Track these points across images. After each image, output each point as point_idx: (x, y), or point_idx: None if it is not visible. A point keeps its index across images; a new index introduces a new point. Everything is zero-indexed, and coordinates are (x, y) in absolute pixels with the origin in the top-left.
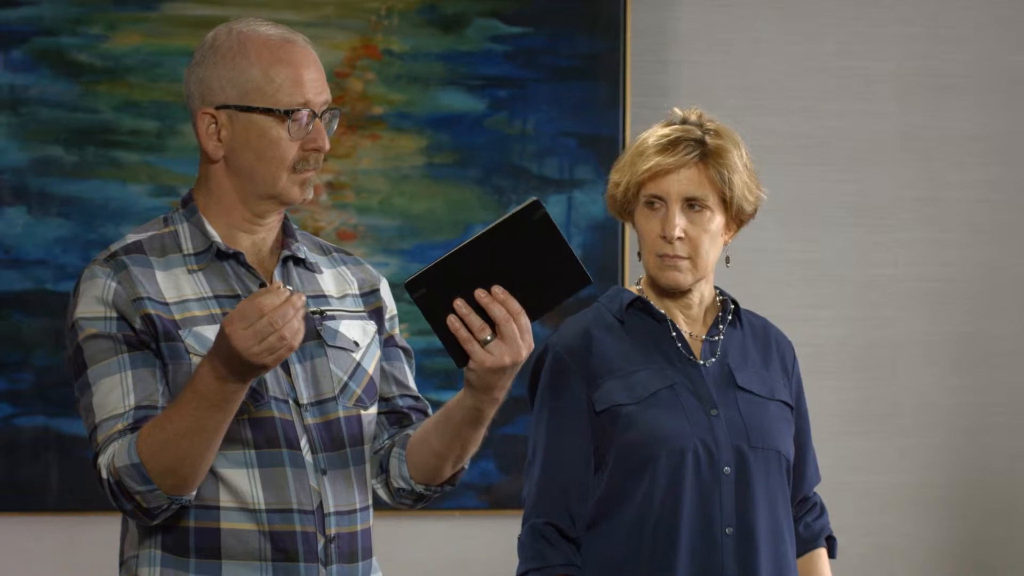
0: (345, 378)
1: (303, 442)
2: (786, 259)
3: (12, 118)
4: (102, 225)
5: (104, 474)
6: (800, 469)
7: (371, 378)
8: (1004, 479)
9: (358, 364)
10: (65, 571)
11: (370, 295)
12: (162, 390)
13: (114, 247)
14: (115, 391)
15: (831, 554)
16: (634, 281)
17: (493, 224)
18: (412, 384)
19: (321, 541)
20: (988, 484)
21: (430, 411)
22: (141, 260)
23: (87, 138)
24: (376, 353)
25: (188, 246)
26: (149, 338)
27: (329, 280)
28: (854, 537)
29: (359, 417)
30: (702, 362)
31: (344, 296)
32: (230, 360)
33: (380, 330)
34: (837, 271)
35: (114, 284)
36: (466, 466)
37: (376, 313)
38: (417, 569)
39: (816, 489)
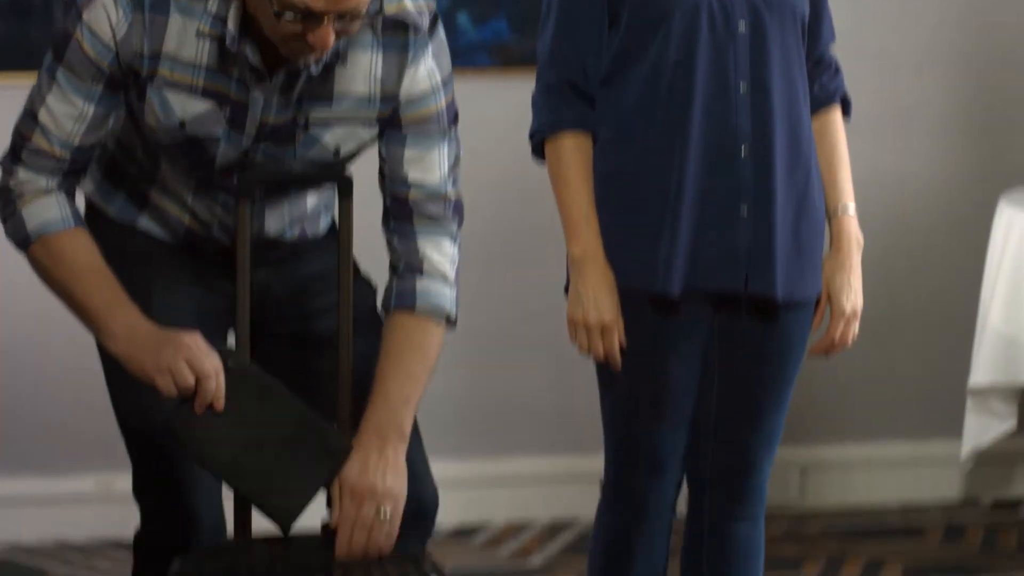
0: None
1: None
2: None
3: None
4: None
5: (9, 182)
6: (815, 27)
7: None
8: (1020, 33)
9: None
10: None
11: (389, 100)
12: (105, 134)
13: None
14: (72, 114)
15: (845, 113)
16: None
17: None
18: (410, 170)
19: None
20: (1003, 41)
21: (419, 205)
22: (162, 5)
23: None
24: (362, 155)
25: (212, 3)
26: (127, 81)
27: (349, 75)
28: (867, 99)
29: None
30: None
31: (355, 96)
32: (135, 345)
33: (385, 133)
34: None
35: (126, 25)
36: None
37: (388, 119)
38: None
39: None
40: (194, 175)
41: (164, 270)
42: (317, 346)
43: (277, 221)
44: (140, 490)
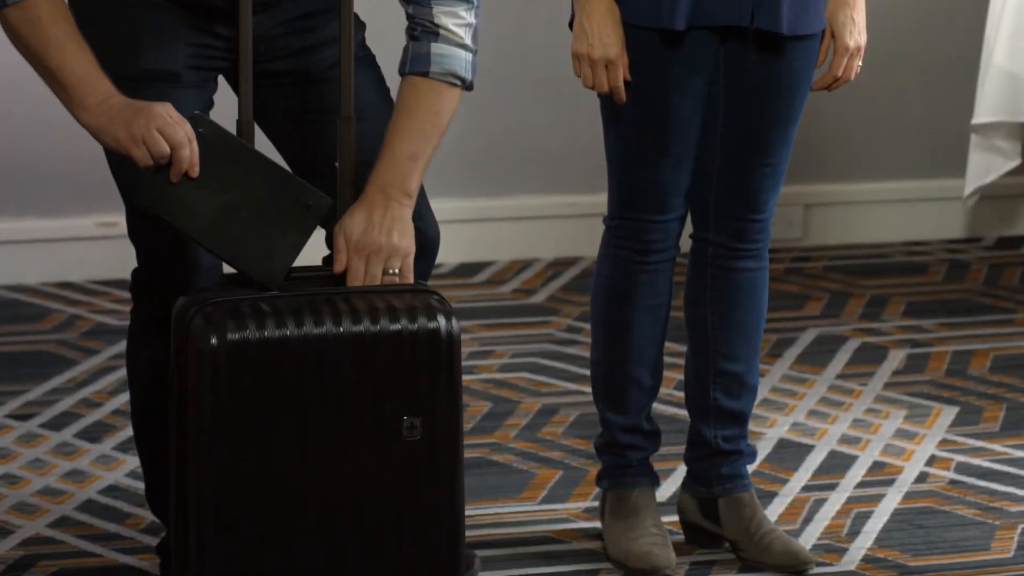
0: None
1: None
2: None
3: None
4: None
5: None
6: None
7: None
8: None
9: None
10: None
11: None
12: None
13: None
14: None
15: None
16: None
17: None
18: None
19: None
20: None
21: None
22: None
23: None
24: None
25: None
26: None
27: None
28: None
29: None
30: None
31: None
32: (108, 117)
33: None
34: None
35: None
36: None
37: None
38: None
39: None
40: None
41: (155, 13)
42: (314, 81)
43: None
44: (135, 232)
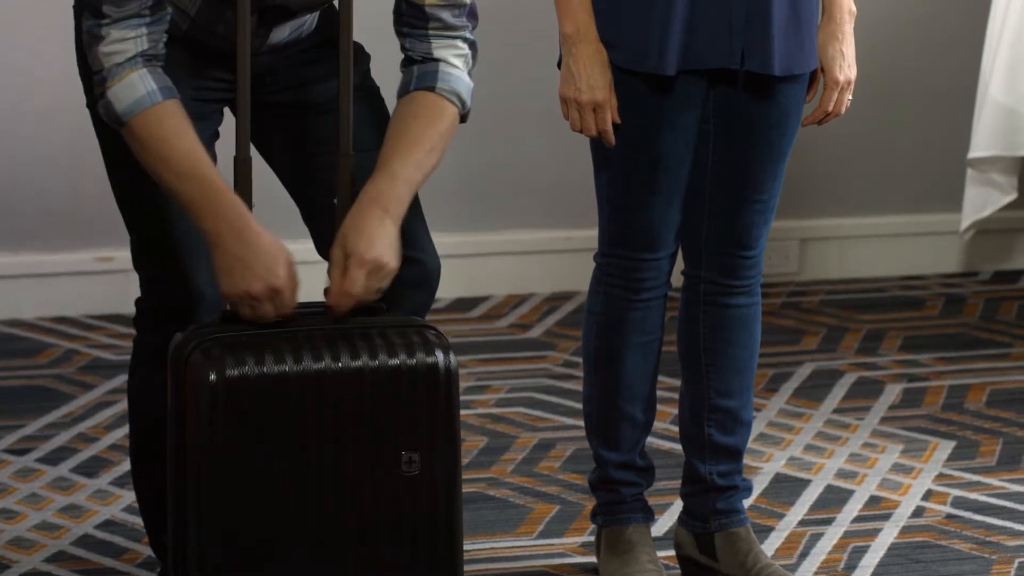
0: None
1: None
2: None
3: None
4: None
5: (99, 49)
6: None
7: None
8: None
9: None
10: None
11: None
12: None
13: None
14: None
15: None
16: None
17: None
18: None
19: None
20: None
21: (436, 12)
22: None
23: None
24: None
25: None
26: None
27: None
28: None
29: None
30: None
31: None
32: (224, 255)
33: None
34: None
35: None
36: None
37: None
38: None
39: None
40: None
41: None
42: (316, 112)
43: (279, 35)
44: (139, 262)
